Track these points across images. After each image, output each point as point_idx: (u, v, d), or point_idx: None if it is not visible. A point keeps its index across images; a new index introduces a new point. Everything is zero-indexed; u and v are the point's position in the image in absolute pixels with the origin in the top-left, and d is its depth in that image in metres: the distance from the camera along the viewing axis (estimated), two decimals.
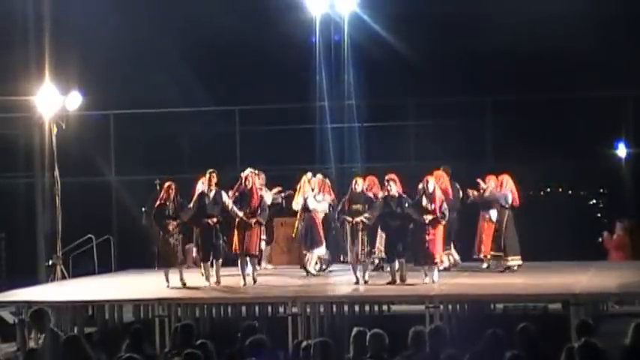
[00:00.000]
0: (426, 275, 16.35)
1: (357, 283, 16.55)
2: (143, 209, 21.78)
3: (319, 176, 18.58)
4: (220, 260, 16.95)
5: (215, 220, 16.77)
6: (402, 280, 16.36)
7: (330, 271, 18.51)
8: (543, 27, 22.57)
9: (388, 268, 16.63)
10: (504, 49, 22.73)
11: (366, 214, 16.38)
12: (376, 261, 17.66)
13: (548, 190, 25.99)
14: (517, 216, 18.12)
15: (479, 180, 18.30)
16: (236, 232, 16.83)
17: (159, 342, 14.74)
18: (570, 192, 26.68)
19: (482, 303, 16.74)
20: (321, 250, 18.19)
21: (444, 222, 16.45)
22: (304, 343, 10.56)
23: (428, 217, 16.20)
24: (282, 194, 18.82)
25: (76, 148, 21.59)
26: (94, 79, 21.25)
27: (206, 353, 9.90)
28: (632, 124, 22.77)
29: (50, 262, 19.83)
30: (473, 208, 18.38)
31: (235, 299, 16.41)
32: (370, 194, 16.97)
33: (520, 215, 18.31)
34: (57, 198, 20.06)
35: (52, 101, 20.03)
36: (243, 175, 17.33)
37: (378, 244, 17.19)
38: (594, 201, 26.72)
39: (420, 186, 16.50)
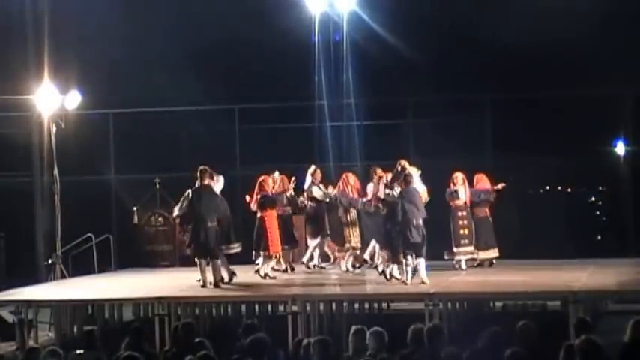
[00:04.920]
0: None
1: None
2: (135, 208, 21.84)
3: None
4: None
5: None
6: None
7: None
8: (543, 25, 22.52)
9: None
10: (504, 47, 22.69)
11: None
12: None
13: (547, 187, 25.95)
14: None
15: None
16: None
17: (159, 341, 14.76)
18: (569, 190, 26.64)
19: (481, 301, 16.76)
20: None
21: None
22: (304, 341, 10.59)
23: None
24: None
25: (76, 147, 21.59)
26: (93, 78, 21.24)
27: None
28: (631, 122, 22.79)
29: (50, 261, 19.83)
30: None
31: (235, 298, 16.42)
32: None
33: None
34: (56, 197, 20.06)
35: (52, 100, 20.04)
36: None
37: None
38: (593, 199, 26.69)
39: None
